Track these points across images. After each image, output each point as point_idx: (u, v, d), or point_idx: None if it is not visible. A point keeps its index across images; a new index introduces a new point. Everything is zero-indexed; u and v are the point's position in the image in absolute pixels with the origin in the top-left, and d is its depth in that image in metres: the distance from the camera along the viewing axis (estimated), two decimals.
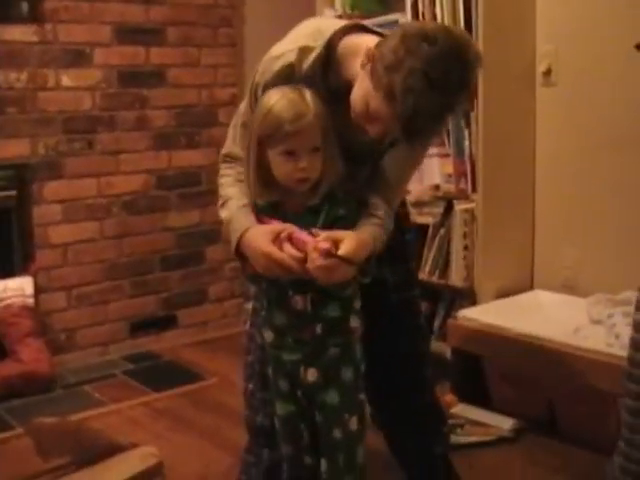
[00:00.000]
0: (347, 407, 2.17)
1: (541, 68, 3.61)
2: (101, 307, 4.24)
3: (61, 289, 4.10)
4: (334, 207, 2.10)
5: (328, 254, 1.93)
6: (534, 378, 3.19)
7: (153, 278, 4.42)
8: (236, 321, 4.38)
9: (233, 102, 4.55)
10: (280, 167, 2.07)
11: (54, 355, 3.91)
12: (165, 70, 4.35)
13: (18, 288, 3.87)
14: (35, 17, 3.87)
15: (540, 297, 3.60)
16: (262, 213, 2.16)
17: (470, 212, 3.51)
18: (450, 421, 3.17)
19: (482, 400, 3.37)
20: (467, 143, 3.51)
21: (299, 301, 2.13)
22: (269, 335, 2.23)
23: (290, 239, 2.02)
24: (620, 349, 2.92)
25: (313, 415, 2.22)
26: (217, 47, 4.52)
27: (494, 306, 3.46)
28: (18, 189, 3.93)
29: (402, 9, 3.74)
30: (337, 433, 2.17)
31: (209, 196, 4.52)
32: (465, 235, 3.53)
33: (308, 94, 2.08)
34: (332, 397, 2.16)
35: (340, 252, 1.95)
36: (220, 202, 2.28)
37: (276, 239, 2.03)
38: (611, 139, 3.43)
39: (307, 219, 2.09)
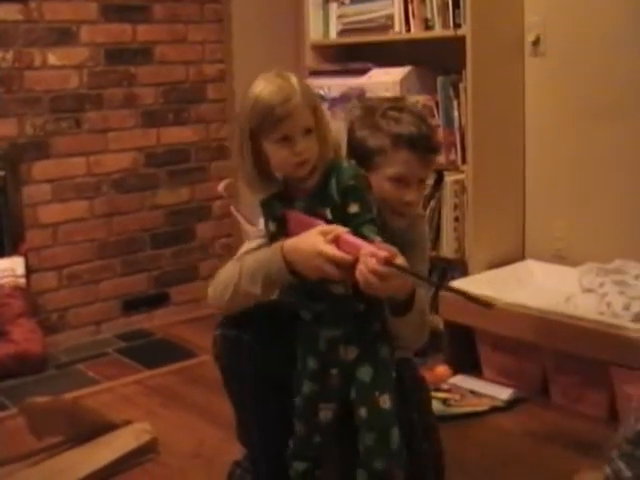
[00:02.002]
0: (379, 385, 2.11)
1: (530, 38, 3.59)
2: (92, 286, 4.23)
3: (52, 269, 4.09)
4: (341, 176, 2.07)
5: (387, 262, 1.86)
6: (526, 348, 3.19)
7: (144, 256, 4.41)
8: None
9: (221, 78, 4.54)
10: (277, 155, 2.04)
11: (46, 335, 3.90)
12: (152, 47, 4.32)
13: (9, 269, 3.85)
14: None
15: (531, 267, 3.60)
16: (269, 207, 2.15)
17: (460, 183, 3.51)
18: (444, 393, 3.20)
19: (476, 371, 3.39)
20: (456, 114, 3.51)
21: (340, 286, 2.08)
22: (306, 314, 2.17)
23: (337, 241, 1.96)
24: (611, 317, 2.94)
25: (346, 394, 2.17)
26: (204, 23, 4.49)
27: (486, 277, 3.46)
28: (6, 169, 3.90)
29: None
30: (362, 412, 2.11)
31: (198, 173, 4.53)
32: (456, 206, 3.53)
33: (292, 76, 2.07)
34: (365, 373, 2.11)
35: (398, 261, 1.89)
36: (233, 275, 2.16)
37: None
38: (601, 108, 3.42)
39: (318, 198, 2.08)
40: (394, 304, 2.07)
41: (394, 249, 1.92)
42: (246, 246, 2.28)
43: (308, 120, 2.04)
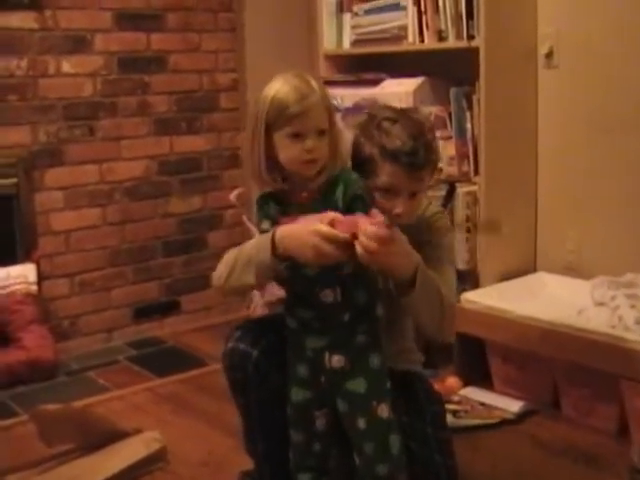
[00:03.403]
0: (375, 395, 2.13)
1: (543, 50, 3.59)
2: (104, 293, 4.24)
3: (64, 276, 4.10)
4: (350, 186, 2.09)
5: (388, 225, 1.91)
6: (537, 360, 3.19)
7: (155, 264, 4.42)
8: (239, 306, 4.36)
9: (234, 87, 4.55)
10: (286, 150, 2.06)
11: (57, 342, 3.91)
12: (166, 56, 4.34)
13: (21, 275, 3.86)
14: (35, 3, 3.85)
15: (543, 279, 3.59)
16: (265, 205, 2.16)
17: (473, 195, 3.50)
18: (454, 405, 3.20)
19: (487, 383, 3.38)
20: (469, 125, 3.51)
21: (329, 294, 2.11)
22: (292, 322, 2.20)
23: (332, 224, 1.97)
24: (623, 331, 2.93)
25: (334, 402, 2.19)
26: (217, 32, 4.50)
27: (497, 289, 3.45)
28: (20, 176, 3.91)
29: None
30: (361, 423, 2.12)
31: (211, 181, 4.54)
32: (468, 218, 3.52)
33: (311, 79, 2.09)
34: (359, 385, 2.12)
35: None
36: (232, 259, 2.19)
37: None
38: (613, 121, 3.42)
39: (320, 204, 2.08)
40: (399, 283, 2.07)
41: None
42: None
43: (323, 121, 2.06)
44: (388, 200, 2.18)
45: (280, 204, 2.16)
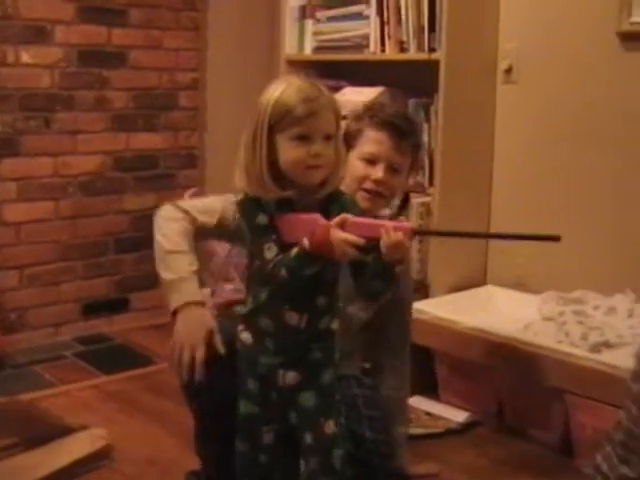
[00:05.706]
0: (323, 410, 2.09)
1: (502, 66, 3.64)
2: (53, 288, 4.21)
3: (13, 268, 4.06)
4: (346, 209, 2.00)
5: (414, 233, 1.98)
6: (483, 372, 3.22)
7: (106, 260, 4.39)
8: None
9: (194, 86, 4.54)
10: (290, 153, 1.94)
11: (4, 334, 3.87)
12: (126, 51, 4.31)
13: None
14: None
15: (492, 292, 3.63)
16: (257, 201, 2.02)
17: (426, 206, 3.53)
18: None
19: (434, 393, 3.41)
20: (426, 137, 3.54)
21: (294, 317, 2.04)
22: (247, 337, 2.11)
23: (342, 225, 1.89)
24: (569, 346, 2.97)
25: (286, 416, 2.14)
26: (180, 30, 4.49)
27: (447, 300, 3.48)
28: None
29: (366, 1, 3.76)
30: (308, 438, 2.09)
31: (165, 180, 4.53)
32: None
33: (317, 82, 2.02)
34: (308, 399, 2.08)
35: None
36: (166, 247, 2.29)
37: None
38: (568, 137, 3.48)
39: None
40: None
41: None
42: (211, 201, 2.40)
43: (331, 125, 1.97)
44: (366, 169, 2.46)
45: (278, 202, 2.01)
